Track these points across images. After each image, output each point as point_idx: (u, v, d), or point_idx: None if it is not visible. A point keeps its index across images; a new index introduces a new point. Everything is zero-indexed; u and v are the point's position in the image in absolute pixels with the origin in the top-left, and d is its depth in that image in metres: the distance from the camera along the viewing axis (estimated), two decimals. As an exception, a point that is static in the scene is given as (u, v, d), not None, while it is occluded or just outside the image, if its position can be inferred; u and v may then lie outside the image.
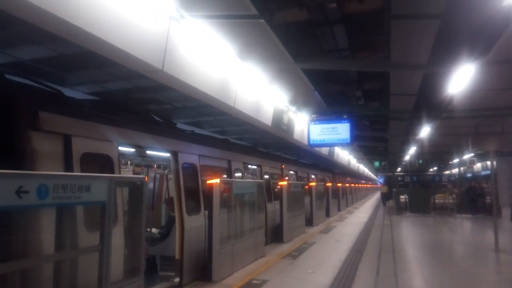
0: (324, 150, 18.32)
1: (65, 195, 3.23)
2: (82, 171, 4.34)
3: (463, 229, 15.34)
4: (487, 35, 6.00)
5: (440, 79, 8.38)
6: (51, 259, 3.62)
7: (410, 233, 13.99)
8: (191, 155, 7.28)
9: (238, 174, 9.91)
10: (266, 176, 11.99)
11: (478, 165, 34.31)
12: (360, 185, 41.39)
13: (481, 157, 26.70)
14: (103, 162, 4.89)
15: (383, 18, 5.99)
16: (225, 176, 8.95)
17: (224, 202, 6.88)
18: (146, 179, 4.51)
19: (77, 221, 4.01)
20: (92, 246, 3.77)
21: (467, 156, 26.81)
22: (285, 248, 9.85)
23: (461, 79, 7.41)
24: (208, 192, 6.71)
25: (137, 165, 10.15)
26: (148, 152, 7.10)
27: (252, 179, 11.32)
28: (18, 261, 3.23)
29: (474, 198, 18.83)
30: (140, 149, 6.19)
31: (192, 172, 7.24)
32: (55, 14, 3.59)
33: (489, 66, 6.97)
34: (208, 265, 6.48)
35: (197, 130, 10.14)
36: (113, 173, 4.87)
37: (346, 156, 26.46)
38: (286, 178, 14.03)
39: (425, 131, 14.56)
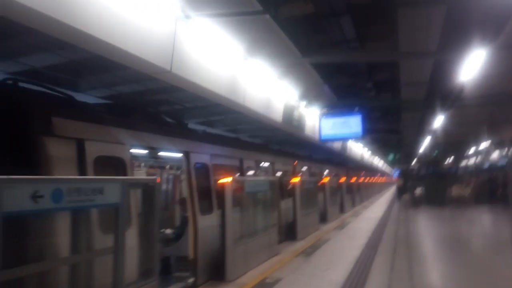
0: (337, 145, 18.20)
1: (79, 198, 3.27)
2: (95, 175, 4.39)
3: (481, 221, 15.07)
4: (496, 19, 5.86)
5: (451, 66, 8.24)
6: (66, 262, 3.67)
7: (425, 226, 13.81)
8: (203, 154, 7.30)
9: (251, 172, 9.91)
10: (279, 173, 11.96)
11: (495, 155, 33.65)
12: (374, 179, 41.02)
13: (499, 145, 26.18)
14: (116, 165, 4.94)
15: (389, 6, 5.90)
16: (237, 174, 8.96)
17: (236, 201, 6.87)
18: (159, 180, 4.53)
19: (93, 223, 4.07)
20: (106, 248, 3.81)
21: (484, 146, 26.32)
22: (299, 245, 9.80)
23: (472, 65, 7.25)
24: (220, 192, 6.72)
25: (150, 167, 10.24)
26: (160, 153, 7.15)
27: (265, 176, 11.31)
28: (34, 265, 3.28)
29: (495, 189, 18.26)
30: (152, 150, 6.23)
31: (204, 172, 7.26)
32: (62, 21, 3.64)
33: (500, 50, 6.81)
34: (222, 264, 6.48)
35: (209, 130, 10.19)
36: (125, 175, 4.91)
37: (359, 150, 26.24)
38: (299, 174, 13.98)
39: (438, 120, 14.34)
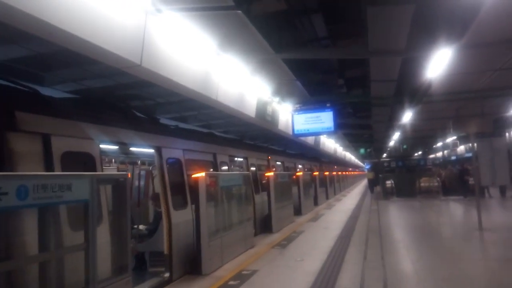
0: (310, 140, 18.44)
1: (45, 195, 3.21)
2: (63, 171, 4.30)
3: (449, 211, 15.68)
4: (462, 19, 6.10)
5: (419, 64, 8.50)
6: (34, 260, 3.60)
7: (396, 217, 14.25)
8: (175, 150, 7.26)
9: (225, 167, 9.93)
10: (253, 168, 12.02)
11: (461, 148, 34.99)
12: (347, 172, 41.84)
13: (464, 139, 27.21)
14: (85, 161, 4.85)
15: (359, 5, 6.03)
16: (211, 169, 8.96)
17: (210, 195, 6.90)
18: (129, 176, 4.49)
19: (62, 220, 3.99)
20: (77, 245, 3.76)
21: (450, 139, 27.31)
22: (274, 238, 9.94)
23: (439, 63, 7.53)
24: (194, 186, 6.72)
25: (121, 163, 10.07)
26: (132, 149, 7.06)
27: (240, 171, 11.35)
28: (2, 263, 3.21)
29: (467, 180, 18.69)
30: (123, 146, 6.15)
31: (177, 167, 7.23)
32: (27, 12, 3.52)
33: (465, 49, 7.09)
34: (198, 258, 6.51)
35: (182, 125, 10.12)
36: (95, 171, 4.84)
37: (332, 145, 26.69)
38: (273, 169, 14.10)
39: (407, 116, 14.78)
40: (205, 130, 11.67)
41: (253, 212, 10.16)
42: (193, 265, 6.57)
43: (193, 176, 6.82)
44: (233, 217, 7.96)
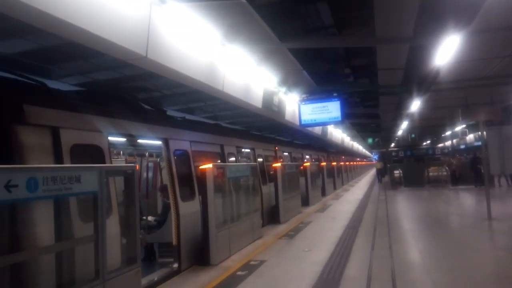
0: (317, 130, 18.38)
1: (55, 187, 3.24)
2: (72, 163, 4.34)
3: (458, 200, 15.59)
4: (469, 5, 5.99)
5: (427, 51, 8.39)
6: (45, 252, 3.65)
7: (404, 207, 14.20)
8: (182, 141, 7.28)
9: (232, 159, 9.95)
10: (260, 159, 12.03)
11: (470, 136, 34.63)
12: (355, 162, 41.70)
13: (473, 128, 26.93)
14: (94, 153, 4.89)
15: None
16: (218, 161, 8.99)
17: (217, 186, 6.93)
18: (137, 168, 4.52)
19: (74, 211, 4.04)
20: (87, 236, 3.81)
21: (458, 128, 27.04)
22: (282, 228, 9.97)
23: (447, 50, 7.41)
24: (201, 177, 6.75)
25: (130, 155, 10.13)
26: (140, 141, 7.09)
27: (247, 162, 11.37)
28: (13, 255, 3.26)
29: (479, 169, 17.87)
30: (131, 138, 6.18)
31: (184, 159, 7.26)
32: (33, 6, 3.52)
33: (473, 36, 6.98)
34: (206, 249, 6.56)
35: (189, 117, 10.13)
36: (104, 163, 4.87)
37: (339, 135, 26.57)
38: (281, 159, 14.10)
39: (415, 104, 14.63)
40: (212, 122, 11.67)
41: (260, 203, 10.19)
42: (201, 256, 6.63)
43: (200, 167, 6.85)
44: (240, 208, 7.99)
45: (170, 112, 8.64)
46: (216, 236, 6.67)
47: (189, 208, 6.78)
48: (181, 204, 6.51)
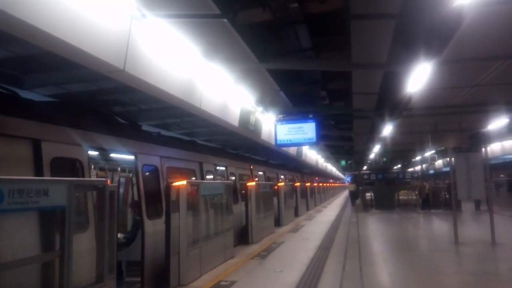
0: (292, 150, 18.53)
1: (21, 200, 3.11)
2: (44, 176, 4.19)
3: (426, 224, 15.94)
4: (441, 35, 6.28)
5: (400, 78, 8.69)
6: (7, 267, 3.47)
7: (375, 229, 14.39)
8: (152, 156, 7.16)
9: (210, 176, 9.86)
10: (233, 177, 11.97)
11: (439, 162, 35.74)
12: (328, 184, 42.12)
13: (442, 154, 27.84)
14: (68, 166, 4.77)
15: (343, 18, 6.15)
16: (193, 178, 8.88)
17: (187, 204, 6.78)
18: (109, 183, 4.40)
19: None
20: (52, 252, 3.65)
21: (428, 153, 27.87)
22: (254, 248, 9.88)
23: (419, 77, 7.70)
24: (166, 194, 6.58)
25: (101, 169, 9.87)
26: (112, 155, 6.94)
27: (220, 180, 11.27)
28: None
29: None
30: (102, 151, 6.05)
31: (153, 175, 7.13)
32: (10, 13, 3.44)
33: (444, 65, 7.28)
34: (167, 269, 6.18)
35: (164, 133, 10.02)
36: (83, 177, 4.76)
37: (314, 156, 26.87)
38: (256, 179, 14.07)
39: (387, 129, 15.03)
40: (187, 138, 11.58)
41: (232, 222, 10.06)
42: (164, 276, 6.39)
43: (168, 184, 6.72)
44: (212, 227, 7.87)
45: (145, 127, 8.51)
46: (187, 255, 6.51)
47: (156, 226, 6.60)
48: (146, 221, 6.35)
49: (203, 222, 7.47)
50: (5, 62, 5.23)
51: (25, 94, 5.69)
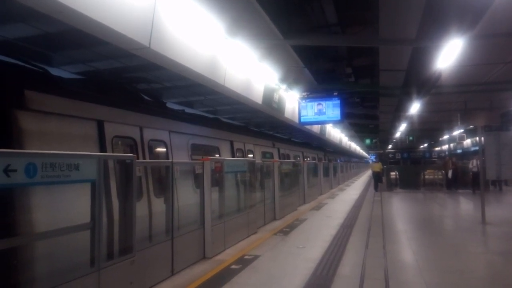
0: (316, 128, 18.39)
1: (54, 173, 3.24)
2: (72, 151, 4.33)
3: (453, 204, 15.64)
4: (474, 9, 5.99)
5: (429, 54, 8.40)
6: (41, 238, 3.65)
7: (400, 208, 14.24)
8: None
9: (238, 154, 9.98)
10: (253, 155, 12.03)
11: (467, 141, 34.74)
12: (351, 163, 41.77)
13: (471, 133, 27.02)
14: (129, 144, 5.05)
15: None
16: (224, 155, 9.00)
17: (214, 180, 6.91)
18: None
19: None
20: (83, 224, 3.80)
21: (456, 132, 27.12)
22: (277, 224, 10.00)
23: (450, 54, 7.42)
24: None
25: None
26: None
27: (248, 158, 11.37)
28: (10, 239, 3.26)
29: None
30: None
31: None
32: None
33: (476, 40, 6.99)
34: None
35: (188, 110, 10.12)
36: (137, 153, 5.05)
37: (337, 134, 26.61)
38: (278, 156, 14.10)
39: (415, 107, 14.65)
40: (211, 116, 11.68)
41: (257, 199, 10.18)
42: None
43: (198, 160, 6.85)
44: (236, 203, 8.01)
45: (169, 104, 8.62)
46: (212, 229, 6.67)
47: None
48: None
49: (227, 199, 7.60)
50: (33, 39, 5.36)
51: (54, 71, 5.85)
